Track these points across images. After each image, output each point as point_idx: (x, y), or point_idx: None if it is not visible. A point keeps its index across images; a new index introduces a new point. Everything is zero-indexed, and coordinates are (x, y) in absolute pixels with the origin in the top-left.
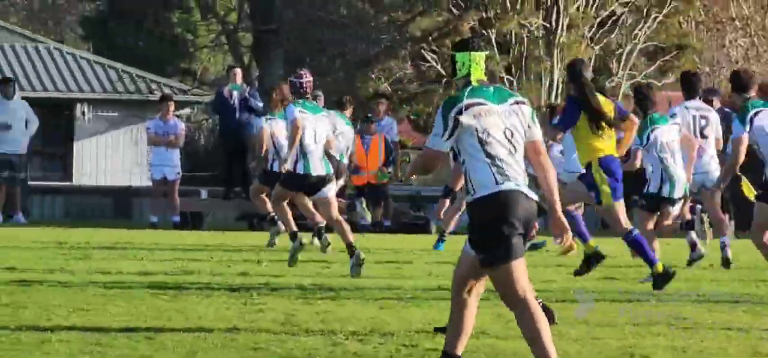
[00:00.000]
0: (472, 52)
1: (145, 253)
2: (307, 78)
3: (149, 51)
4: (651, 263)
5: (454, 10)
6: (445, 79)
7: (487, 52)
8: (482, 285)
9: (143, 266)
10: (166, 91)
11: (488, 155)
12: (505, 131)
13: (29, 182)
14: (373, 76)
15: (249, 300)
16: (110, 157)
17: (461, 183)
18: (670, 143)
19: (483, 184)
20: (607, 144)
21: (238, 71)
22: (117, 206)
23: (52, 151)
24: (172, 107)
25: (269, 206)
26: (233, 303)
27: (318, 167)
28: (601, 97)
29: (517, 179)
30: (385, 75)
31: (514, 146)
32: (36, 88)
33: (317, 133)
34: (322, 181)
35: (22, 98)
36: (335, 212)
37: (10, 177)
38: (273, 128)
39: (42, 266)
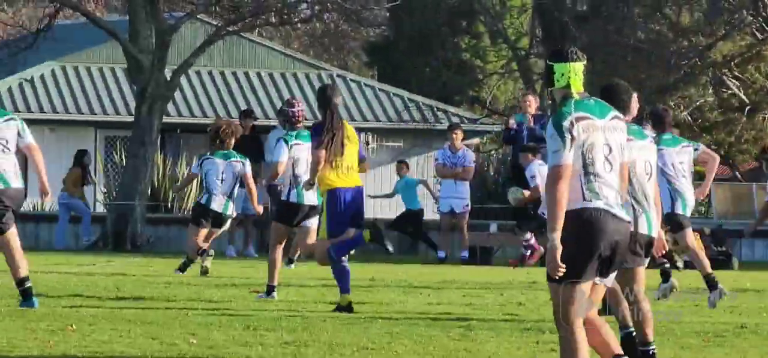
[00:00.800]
0: (571, 63)
1: (431, 290)
2: (299, 107)
3: (436, 78)
4: None
5: (758, 34)
6: (748, 108)
7: (584, 62)
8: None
9: (429, 302)
10: (454, 119)
11: (585, 171)
12: (604, 148)
13: None
14: (672, 103)
15: (541, 339)
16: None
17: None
18: (677, 165)
19: (572, 198)
20: (341, 177)
21: (531, 98)
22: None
23: None
24: (460, 137)
25: None
26: (524, 343)
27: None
28: (349, 130)
29: (608, 199)
30: (685, 102)
31: (610, 163)
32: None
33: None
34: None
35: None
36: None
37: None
38: None
39: (325, 300)
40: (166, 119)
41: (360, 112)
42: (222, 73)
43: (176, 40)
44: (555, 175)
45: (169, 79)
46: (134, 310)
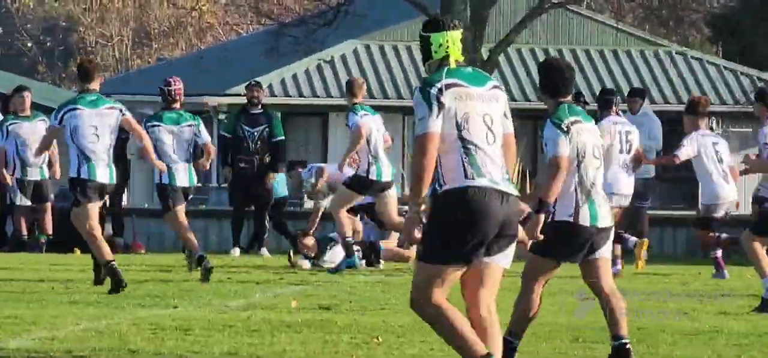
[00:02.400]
0: (448, 32)
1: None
2: (177, 85)
3: None
4: None
5: None
6: None
7: (461, 31)
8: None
9: None
10: None
11: (464, 144)
12: (485, 118)
13: None
14: None
15: None
16: None
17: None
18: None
19: (453, 176)
20: None
21: None
22: None
23: None
24: None
25: None
26: None
27: None
28: None
29: (492, 174)
30: None
31: (493, 134)
32: (658, 101)
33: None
34: None
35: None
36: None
37: None
38: None
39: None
40: None
41: (702, 92)
42: (545, 51)
43: (494, 14)
44: (421, 144)
45: (485, 57)
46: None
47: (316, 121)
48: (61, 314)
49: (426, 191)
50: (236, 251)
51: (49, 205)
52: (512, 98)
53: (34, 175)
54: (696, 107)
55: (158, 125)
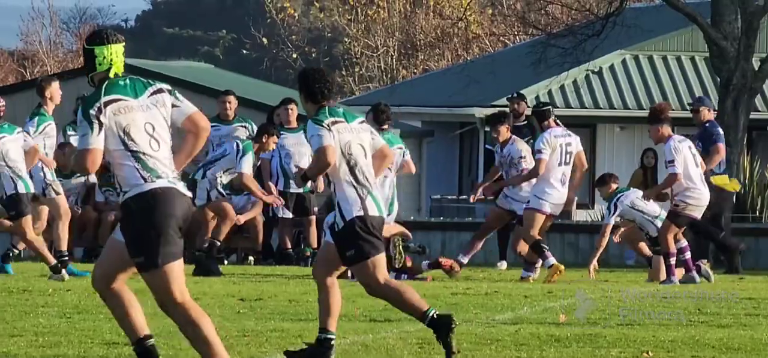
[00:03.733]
0: (112, 45)
1: None
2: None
3: None
4: None
5: None
6: None
7: (123, 44)
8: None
9: None
10: None
11: (133, 154)
12: (147, 126)
13: None
14: None
15: None
16: None
17: None
18: None
19: (131, 183)
20: None
21: None
22: None
23: None
24: None
25: None
26: None
27: None
28: None
29: (168, 175)
30: None
31: (157, 141)
32: None
33: None
34: None
35: None
36: None
37: None
38: None
39: None
40: (754, 115)
41: None
42: None
43: (766, 25)
44: (82, 159)
45: (756, 68)
46: (720, 334)
47: (584, 133)
48: None
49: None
50: (503, 265)
51: (313, 218)
52: None
53: (296, 188)
54: (659, 114)
55: None
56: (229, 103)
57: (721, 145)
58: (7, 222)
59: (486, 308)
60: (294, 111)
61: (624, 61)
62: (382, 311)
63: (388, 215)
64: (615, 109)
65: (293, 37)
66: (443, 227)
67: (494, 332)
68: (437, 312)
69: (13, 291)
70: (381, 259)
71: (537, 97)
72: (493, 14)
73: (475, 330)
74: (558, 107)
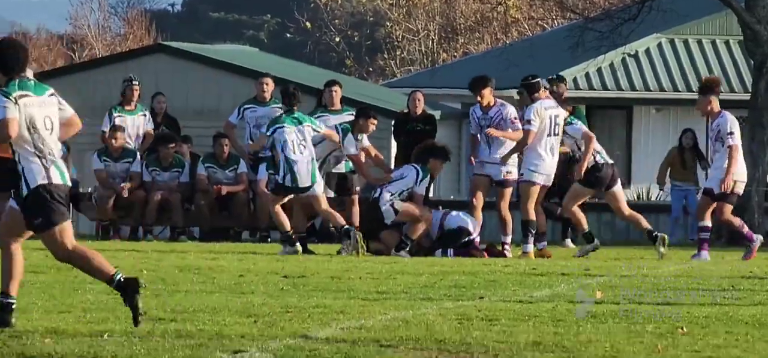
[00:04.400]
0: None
1: None
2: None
3: None
4: None
5: None
6: None
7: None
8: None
9: None
10: None
11: (35, 145)
12: (46, 120)
13: None
14: None
15: None
16: None
17: None
18: None
19: (33, 170)
20: None
21: None
22: None
23: None
24: None
25: None
26: None
27: None
28: None
29: (56, 159)
30: None
31: (50, 130)
32: None
33: None
34: None
35: None
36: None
37: None
38: None
39: None
40: None
41: None
42: None
43: None
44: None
45: None
46: (753, 310)
47: (621, 115)
48: (369, 304)
49: None
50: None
51: (355, 198)
52: None
53: (339, 168)
54: (714, 86)
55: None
56: (267, 85)
57: None
58: None
59: (524, 285)
60: (338, 93)
61: (659, 45)
62: (422, 289)
63: (313, 185)
64: (651, 91)
65: (336, 21)
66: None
67: (532, 309)
68: (124, 276)
69: (62, 269)
70: (68, 226)
71: (575, 80)
72: None
73: (513, 307)
74: (595, 90)
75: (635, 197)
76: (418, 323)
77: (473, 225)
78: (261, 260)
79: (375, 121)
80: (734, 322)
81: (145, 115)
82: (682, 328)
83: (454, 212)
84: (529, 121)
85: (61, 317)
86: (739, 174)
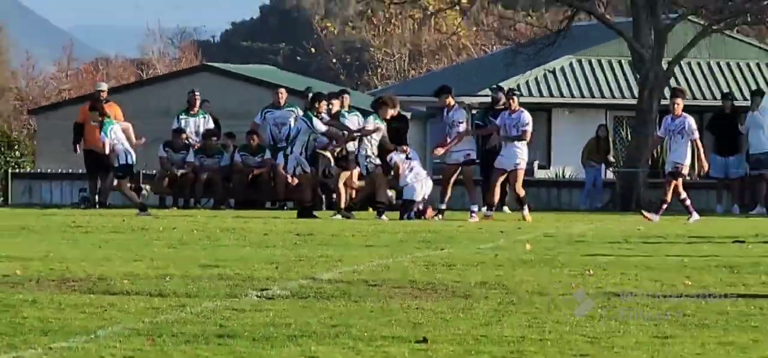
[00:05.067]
0: None
1: None
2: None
3: None
4: None
5: None
6: None
7: None
8: None
9: None
10: None
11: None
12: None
13: None
14: None
15: None
16: None
17: None
18: None
19: None
20: None
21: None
22: None
23: None
24: None
25: None
26: None
27: None
28: None
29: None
30: None
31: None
32: None
33: None
34: None
35: None
36: None
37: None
38: None
39: None
40: (663, 102)
41: None
42: (708, 64)
43: (671, 37)
44: None
45: (665, 69)
46: (640, 257)
47: (542, 116)
48: (360, 254)
49: None
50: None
51: (357, 170)
52: (693, 97)
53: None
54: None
55: None
56: (281, 94)
57: None
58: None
59: (474, 240)
60: (347, 99)
61: (571, 64)
62: (399, 243)
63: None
64: (565, 98)
65: (333, 47)
66: (438, 183)
67: (479, 257)
68: None
69: (136, 230)
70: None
71: (510, 90)
72: (477, 30)
73: (466, 256)
74: (524, 96)
75: (554, 176)
76: (396, 268)
77: (418, 195)
78: (280, 223)
79: (325, 104)
80: (627, 266)
81: (205, 117)
82: (589, 271)
83: (410, 184)
84: (527, 123)
85: (135, 265)
86: (689, 158)
